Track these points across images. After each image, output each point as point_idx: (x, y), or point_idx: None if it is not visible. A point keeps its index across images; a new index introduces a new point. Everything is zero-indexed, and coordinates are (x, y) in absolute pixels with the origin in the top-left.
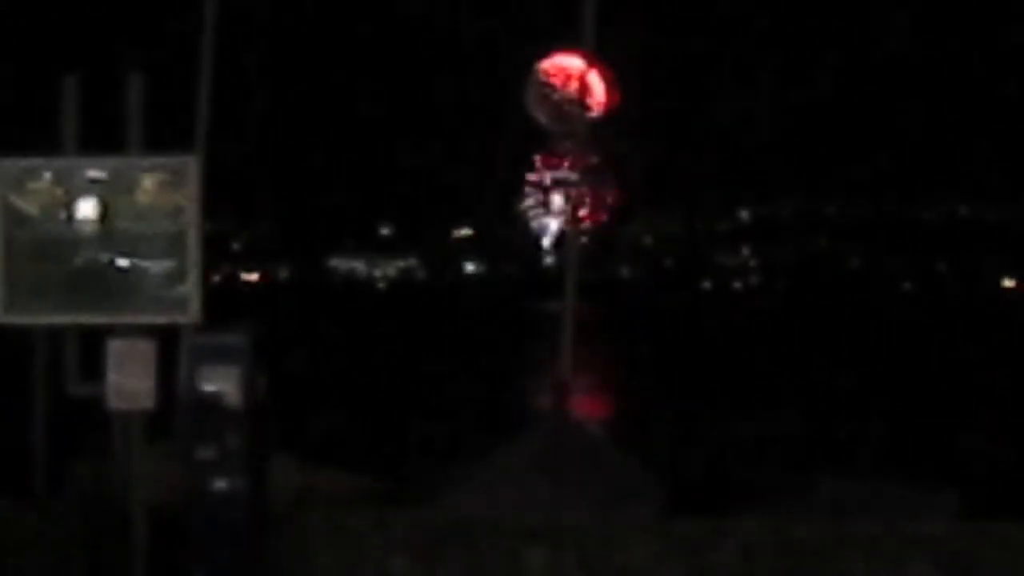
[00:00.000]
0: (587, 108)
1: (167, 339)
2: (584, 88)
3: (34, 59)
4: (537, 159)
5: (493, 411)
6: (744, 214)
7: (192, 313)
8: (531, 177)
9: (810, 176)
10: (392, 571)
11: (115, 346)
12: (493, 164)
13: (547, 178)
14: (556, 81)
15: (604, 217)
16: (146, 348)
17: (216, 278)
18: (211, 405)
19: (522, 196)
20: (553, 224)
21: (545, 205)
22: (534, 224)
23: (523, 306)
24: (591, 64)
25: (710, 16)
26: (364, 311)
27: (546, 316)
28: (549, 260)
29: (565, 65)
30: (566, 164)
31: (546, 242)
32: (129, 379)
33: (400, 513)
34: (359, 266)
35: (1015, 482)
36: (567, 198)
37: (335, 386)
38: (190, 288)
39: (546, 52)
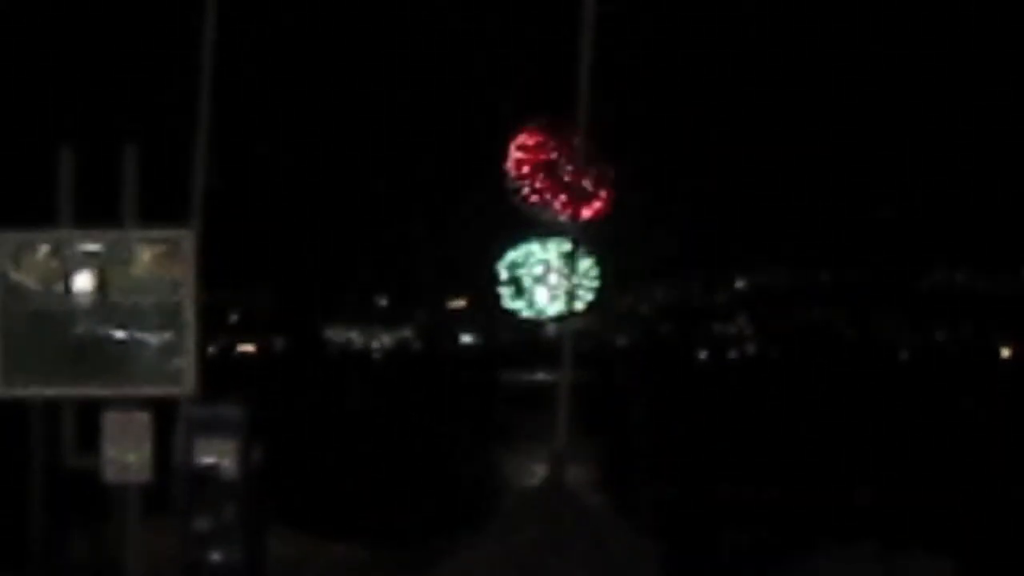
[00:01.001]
0: (577, 210)
1: (164, 411)
2: (574, 186)
3: (29, 131)
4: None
5: (490, 481)
6: (740, 283)
7: (188, 385)
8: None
9: (806, 245)
10: None
11: (112, 418)
12: (487, 233)
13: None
14: (532, 172)
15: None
16: (142, 420)
17: (212, 349)
18: (207, 477)
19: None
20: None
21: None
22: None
23: (519, 376)
24: (582, 151)
25: (700, 79)
26: (360, 381)
27: (541, 386)
28: (549, 329)
29: (546, 150)
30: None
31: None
32: (126, 451)
33: None
34: (355, 336)
35: (1010, 551)
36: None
37: (332, 457)
38: (186, 360)
39: (524, 120)
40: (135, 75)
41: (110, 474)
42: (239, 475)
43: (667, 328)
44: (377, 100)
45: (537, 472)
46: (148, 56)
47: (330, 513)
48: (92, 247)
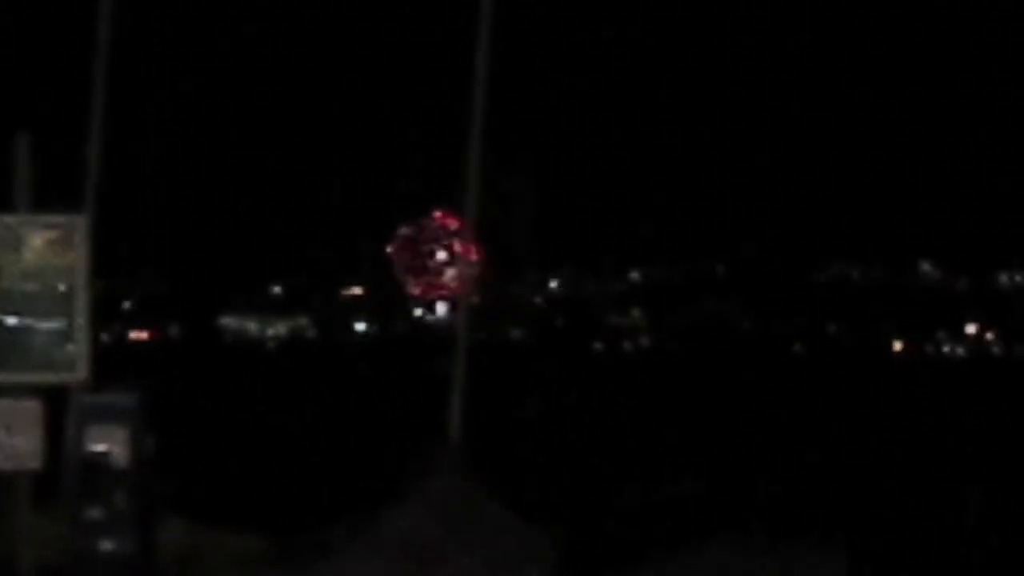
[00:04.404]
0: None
1: (55, 398)
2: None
3: None
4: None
5: (381, 470)
6: (635, 275)
7: (80, 372)
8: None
9: (702, 238)
10: None
11: (2, 406)
12: (381, 221)
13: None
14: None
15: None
16: (33, 408)
17: (105, 337)
18: (99, 465)
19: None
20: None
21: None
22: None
23: (412, 365)
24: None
25: (598, 70)
26: (253, 370)
27: (435, 376)
28: (438, 319)
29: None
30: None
31: (439, 307)
32: (16, 439)
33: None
34: (250, 325)
35: (903, 542)
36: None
37: (224, 445)
38: (79, 347)
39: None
40: (29, 63)
41: (1, 462)
42: (131, 463)
43: (561, 320)
44: (277, 92)
45: (434, 462)
46: (43, 44)
47: (224, 503)
48: None
